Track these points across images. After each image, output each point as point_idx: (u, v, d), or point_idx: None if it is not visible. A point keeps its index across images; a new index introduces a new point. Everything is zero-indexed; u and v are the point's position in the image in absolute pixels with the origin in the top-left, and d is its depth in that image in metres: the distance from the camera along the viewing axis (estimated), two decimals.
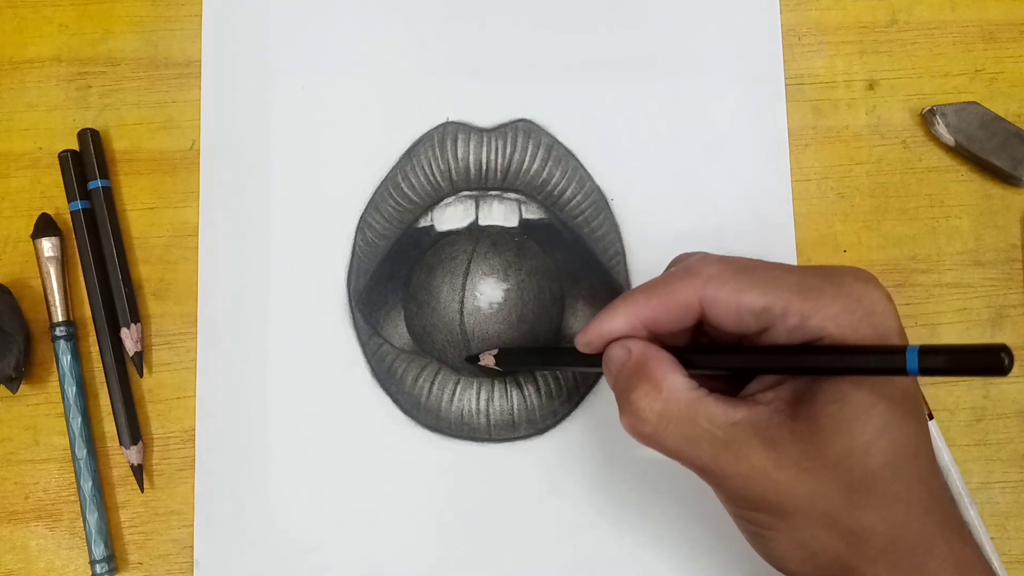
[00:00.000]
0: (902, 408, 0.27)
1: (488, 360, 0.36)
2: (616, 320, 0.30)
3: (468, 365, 0.38)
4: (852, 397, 0.27)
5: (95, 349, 0.38)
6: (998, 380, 0.38)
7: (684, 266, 0.30)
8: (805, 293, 0.27)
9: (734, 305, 0.28)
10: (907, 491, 0.27)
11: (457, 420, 0.38)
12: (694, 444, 0.28)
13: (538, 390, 0.38)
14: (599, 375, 0.38)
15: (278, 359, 0.38)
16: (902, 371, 0.25)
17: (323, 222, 0.39)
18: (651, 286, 0.30)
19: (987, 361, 0.23)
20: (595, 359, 0.31)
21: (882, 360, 0.25)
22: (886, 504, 0.27)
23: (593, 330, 0.31)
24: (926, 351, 0.24)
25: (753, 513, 0.28)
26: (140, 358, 0.38)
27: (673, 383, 0.28)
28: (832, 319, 0.27)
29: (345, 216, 0.39)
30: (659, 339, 0.30)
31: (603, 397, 0.38)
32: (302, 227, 0.39)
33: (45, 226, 0.38)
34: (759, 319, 0.28)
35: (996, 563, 0.36)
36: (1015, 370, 0.38)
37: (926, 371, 0.24)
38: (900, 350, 0.25)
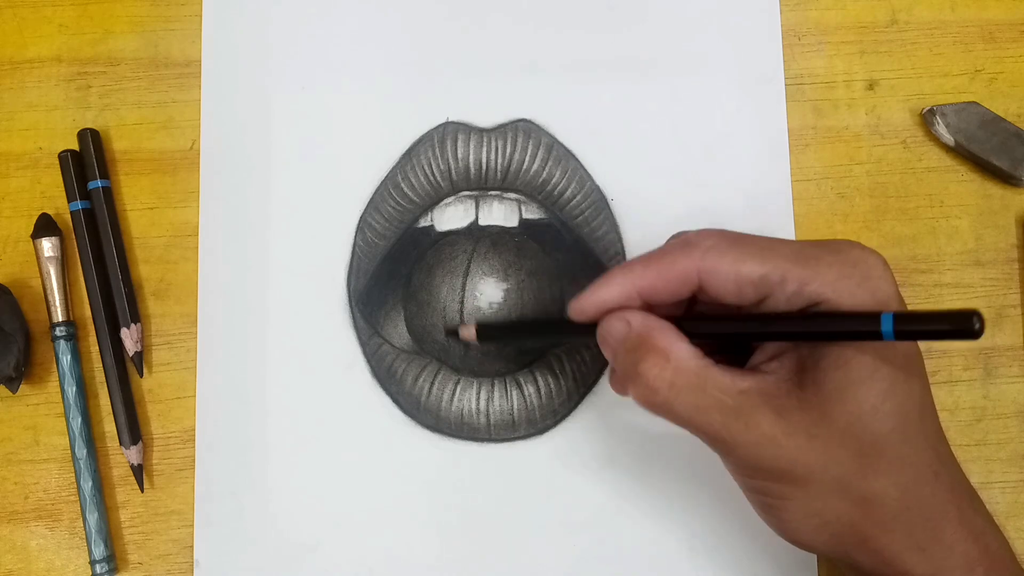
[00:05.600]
0: (904, 372, 0.27)
1: (468, 334, 0.36)
2: (612, 288, 0.30)
3: (468, 365, 0.38)
4: (855, 362, 0.27)
5: (95, 349, 0.38)
6: (998, 380, 0.38)
7: (683, 239, 0.30)
8: (803, 261, 0.27)
9: (733, 275, 0.28)
10: (916, 455, 0.27)
11: (457, 420, 0.38)
12: (704, 412, 0.28)
13: (538, 390, 0.38)
14: (599, 375, 0.38)
15: (278, 359, 0.38)
16: (878, 335, 0.25)
17: (323, 222, 0.39)
18: (649, 256, 0.30)
19: (959, 324, 0.23)
20: (584, 330, 0.31)
21: (860, 323, 0.26)
22: (896, 469, 0.27)
23: (587, 297, 0.30)
24: (901, 316, 0.25)
25: (764, 483, 0.28)
26: (140, 358, 0.38)
27: (680, 352, 0.28)
28: (829, 284, 0.27)
29: (345, 216, 0.39)
30: (653, 312, 0.30)
31: (603, 397, 0.38)
32: (302, 227, 0.39)
33: (45, 226, 0.38)
34: (757, 288, 0.28)
35: None
36: (1015, 370, 0.38)
37: (901, 335, 0.25)
38: (876, 315, 0.25)
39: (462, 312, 0.38)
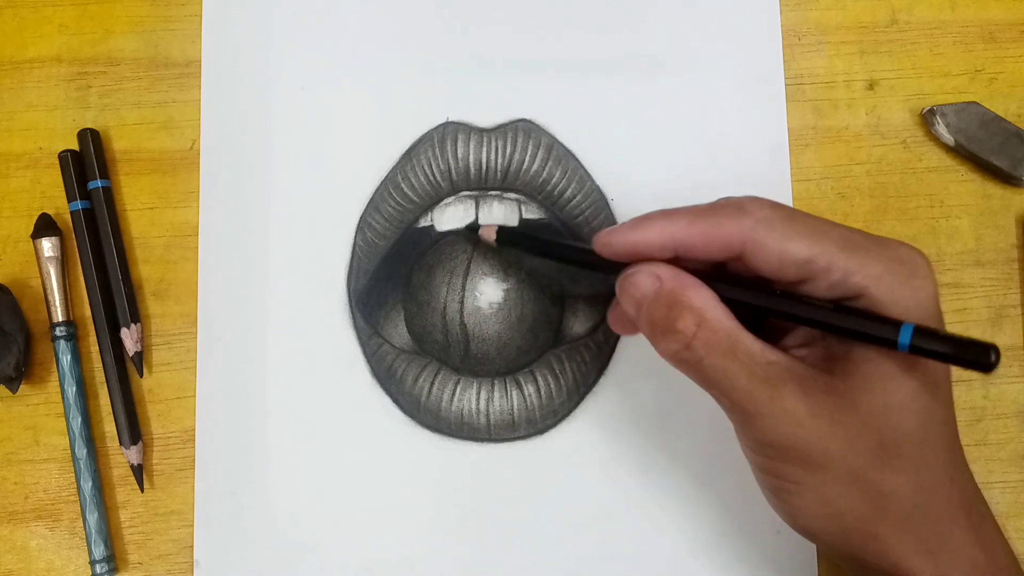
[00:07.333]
0: (931, 379, 0.27)
1: (489, 234, 0.36)
2: (651, 231, 0.29)
3: (468, 365, 0.38)
4: (886, 359, 0.27)
5: (95, 349, 0.38)
6: (998, 380, 0.38)
7: (735, 204, 0.29)
8: (851, 250, 0.27)
9: (778, 252, 0.27)
10: (934, 458, 0.27)
11: (457, 420, 0.38)
12: (731, 376, 0.27)
13: (538, 390, 0.38)
14: (599, 375, 0.38)
15: (278, 359, 0.38)
16: (893, 343, 0.25)
17: (323, 222, 0.39)
18: (697, 211, 0.29)
19: (976, 356, 0.24)
20: (605, 265, 0.30)
21: (878, 328, 0.26)
22: (914, 468, 0.27)
23: (620, 234, 0.29)
24: (921, 332, 0.25)
25: (780, 464, 0.28)
26: (140, 358, 0.38)
27: (714, 312, 0.28)
28: (874, 279, 0.27)
29: (345, 216, 0.39)
30: (681, 267, 0.29)
31: (603, 397, 0.38)
32: (302, 227, 0.39)
33: (45, 226, 0.38)
34: (800, 270, 0.27)
35: None
36: (1015, 370, 0.38)
37: (916, 350, 0.25)
38: (897, 324, 0.25)
39: (462, 312, 0.38)
